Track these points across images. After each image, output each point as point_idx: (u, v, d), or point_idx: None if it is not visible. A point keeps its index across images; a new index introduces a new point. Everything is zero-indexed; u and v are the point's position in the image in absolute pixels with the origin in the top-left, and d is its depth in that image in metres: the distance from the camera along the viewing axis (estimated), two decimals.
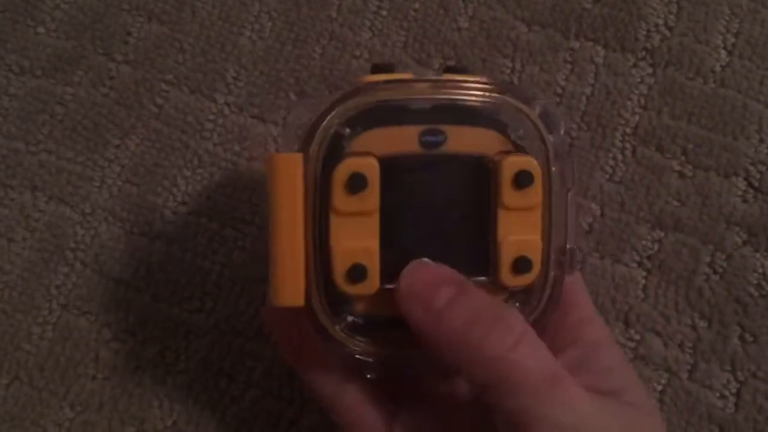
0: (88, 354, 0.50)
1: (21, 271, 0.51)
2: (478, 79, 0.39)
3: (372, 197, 0.36)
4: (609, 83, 0.51)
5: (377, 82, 0.37)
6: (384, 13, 0.53)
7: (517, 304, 0.39)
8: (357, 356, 0.38)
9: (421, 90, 0.38)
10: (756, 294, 0.49)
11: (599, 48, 0.52)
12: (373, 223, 0.37)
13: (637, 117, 0.51)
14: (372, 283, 0.37)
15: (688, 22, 0.52)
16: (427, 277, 0.36)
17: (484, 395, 0.35)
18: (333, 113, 0.36)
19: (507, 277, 0.38)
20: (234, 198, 0.51)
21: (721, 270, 0.49)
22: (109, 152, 0.52)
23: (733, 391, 0.49)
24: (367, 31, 0.53)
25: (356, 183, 0.36)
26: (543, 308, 0.39)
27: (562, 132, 0.38)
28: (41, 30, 0.54)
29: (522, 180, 0.37)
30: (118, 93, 0.53)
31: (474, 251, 0.38)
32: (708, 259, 0.50)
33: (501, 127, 0.38)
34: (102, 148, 0.52)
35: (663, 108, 0.51)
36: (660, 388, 0.49)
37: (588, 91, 0.52)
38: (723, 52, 0.52)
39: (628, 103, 0.51)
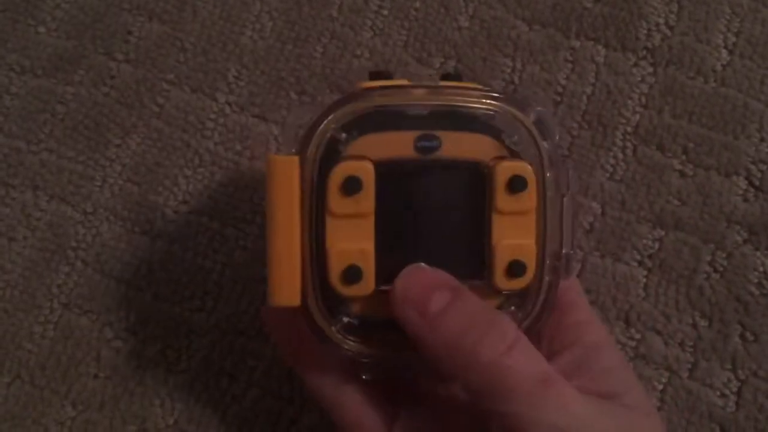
0: (89, 353, 0.51)
1: (22, 270, 0.52)
2: (473, 86, 0.39)
3: (367, 200, 0.37)
4: (610, 82, 0.51)
5: (374, 88, 0.38)
6: (385, 12, 0.53)
7: (513, 308, 0.39)
8: (353, 357, 0.39)
9: (416, 96, 0.38)
10: (757, 293, 0.49)
11: (600, 47, 0.52)
12: (369, 225, 0.37)
13: (637, 116, 0.51)
14: (367, 285, 0.37)
15: (688, 21, 0.52)
16: (422, 282, 0.37)
17: (478, 400, 0.35)
18: (330, 118, 0.37)
19: (501, 281, 0.38)
20: (235, 197, 0.52)
21: (721, 269, 0.49)
22: (111, 151, 0.53)
23: (734, 389, 0.48)
24: (368, 30, 0.53)
25: (351, 186, 0.36)
26: (538, 312, 0.39)
27: (556, 138, 0.38)
28: (42, 29, 0.54)
29: (516, 185, 0.37)
30: (119, 92, 0.53)
31: (469, 255, 0.38)
32: (709, 257, 0.50)
33: (496, 133, 0.38)
34: (103, 147, 0.53)
35: (664, 107, 0.51)
36: (661, 387, 0.49)
37: (589, 90, 0.52)
38: (724, 51, 0.52)
39: (629, 102, 0.51)
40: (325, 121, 0.37)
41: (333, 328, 0.38)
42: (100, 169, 0.52)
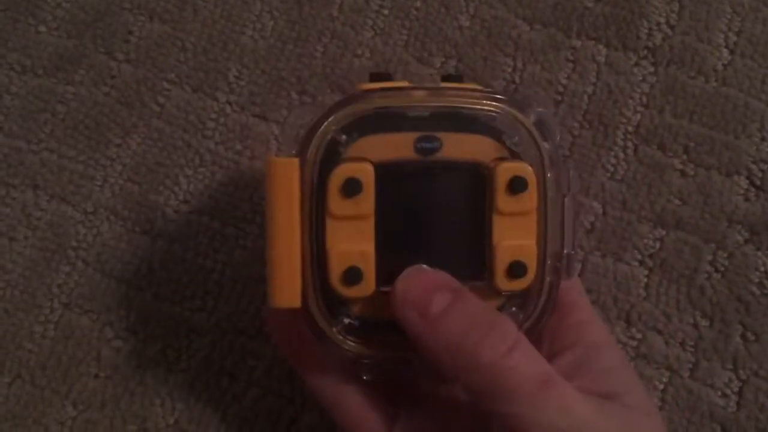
0: (89, 353, 0.51)
1: (23, 269, 0.52)
2: (474, 87, 0.39)
3: (367, 201, 0.37)
4: (611, 82, 0.51)
5: (374, 90, 0.38)
6: (386, 11, 0.53)
7: (514, 309, 0.39)
8: (353, 358, 0.39)
9: (416, 98, 0.38)
10: (758, 292, 0.49)
11: (601, 47, 0.52)
12: (369, 226, 0.37)
13: (638, 115, 0.51)
14: (367, 286, 0.37)
15: (689, 20, 0.52)
16: (423, 283, 0.37)
17: (479, 401, 0.35)
18: (330, 119, 0.37)
19: (502, 282, 0.38)
20: (235, 197, 0.52)
21: (722, 268, 0.49)
22: (111, 151, 0.53)
23: (735, 389, 0.48)
24: (368, 29, 0.53)
25: (351, 187, 0.37)
26: (539, 313, 0.39)
27: (557, 139, 0.38)
28: (43, 29, 0.54)
29: (516, 186, 0.37)
30: (120, 92, 0.53)
31: (469, 256, 0.38)
32: (710, 257, 0.50)
33: (496, 134, 0.38)
34: (104, 146, 0.53)
35: (665, 106, 0.51)
36: (661, 386, 0.49)
37: (590, 89, 0.51)
38: (725, 50, 0.51)
39: (630, 101, 0.51)
40: (325, 123, 0.37)
41: (333, 329, 0.38)
42: (100, 168, 0.52)
